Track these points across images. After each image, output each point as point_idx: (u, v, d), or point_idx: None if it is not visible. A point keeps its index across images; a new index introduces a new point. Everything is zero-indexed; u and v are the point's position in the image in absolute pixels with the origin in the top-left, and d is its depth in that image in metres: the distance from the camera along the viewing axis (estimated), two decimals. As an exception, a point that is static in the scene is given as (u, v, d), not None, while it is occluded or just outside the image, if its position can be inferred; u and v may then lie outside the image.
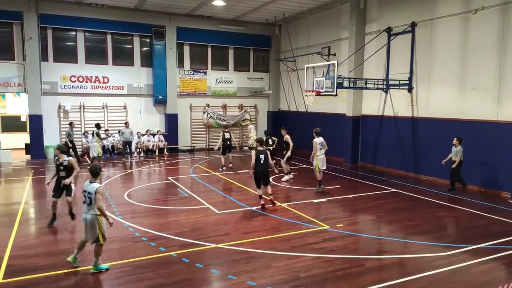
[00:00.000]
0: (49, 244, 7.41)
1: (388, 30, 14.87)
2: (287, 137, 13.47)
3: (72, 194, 8.64)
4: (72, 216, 8.57)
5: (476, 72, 12.04)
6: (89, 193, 6.19)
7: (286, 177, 13.35)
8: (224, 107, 21.83)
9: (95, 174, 6.37)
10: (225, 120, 21.55)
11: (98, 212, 6.14)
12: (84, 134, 17.87)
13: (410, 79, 14.19)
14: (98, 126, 16.09)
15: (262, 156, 9.71)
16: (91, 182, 6.30)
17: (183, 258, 6.72)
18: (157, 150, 19.21)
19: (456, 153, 11.29)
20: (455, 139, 11.35)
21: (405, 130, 14.56)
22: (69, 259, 6.34)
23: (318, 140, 11.59)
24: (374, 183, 13.08)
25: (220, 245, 7.30)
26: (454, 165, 11.28)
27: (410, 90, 14.24)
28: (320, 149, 11.59)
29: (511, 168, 11.05)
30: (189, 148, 20.78)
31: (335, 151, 17.66)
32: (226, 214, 9.40)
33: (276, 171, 12.09)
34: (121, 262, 6.57)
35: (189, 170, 15.50)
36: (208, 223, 8.81)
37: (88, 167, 6.61)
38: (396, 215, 9.56)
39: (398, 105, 14.88)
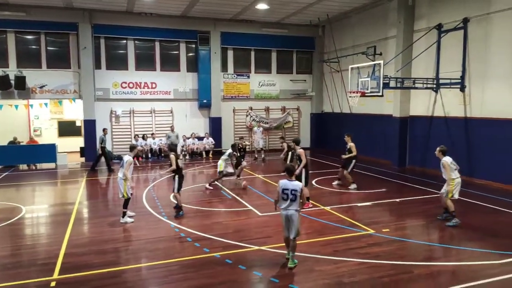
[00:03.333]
0: (101, 243, 7.78)
1: (439, 27, 14.21)
2: (352, 145, 12.19)
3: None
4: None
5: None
6: (295, 190, 6.32)
7: (352, 186, 12.29)
8: (267, 109, 21.89)
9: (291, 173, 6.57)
10: (268, 123, 21.62)
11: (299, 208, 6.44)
12: (134, 137, 18.75)
13: (462, 77, 13.46)
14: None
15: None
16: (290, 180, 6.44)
17: (226, 259, 6.80)
18: (204, 153, 19.65)
19: None
20: None
21: (457, 131, 13.81)
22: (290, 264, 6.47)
23: (448, 160, 8.87)
24: (423, 186, 12.51)
25: (262, 247, 7.31)
26: None
27: (462, 89, 13.50)
28: (455, 169, 8.84)
29: None
30: (233, 150, 21.00)
31: (382, 153, 17.20)
32: (269, 217, 9.39)
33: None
34: (167, 261, 6.77)
35: (233, 172, 15.65)
36: (250, 225, 8.86)
37: (285, 167, 6.86)
38: (440, 220, 9.07)
39: (450, 105, 14.16)
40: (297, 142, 10.50)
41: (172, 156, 9.56)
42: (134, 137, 18.80)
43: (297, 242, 6.53)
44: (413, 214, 9.67)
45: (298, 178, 8.88)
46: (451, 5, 13.89)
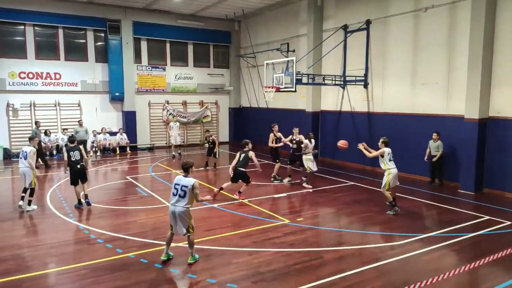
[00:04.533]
0: (-4, 251, 6.98)
1: (345, 27, 15.22)
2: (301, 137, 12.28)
3: None
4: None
5: (427, 68, 12.61)
6: (185, 186, 6.30)
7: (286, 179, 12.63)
8: (185, 103, 21.50)
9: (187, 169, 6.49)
10: (185, 117, 21.26)
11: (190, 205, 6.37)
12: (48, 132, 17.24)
13: (365, 75, 14.62)
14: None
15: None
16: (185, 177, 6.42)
17: (141, 259, 6.56)
18: (117, 149, 18.66)
19: (437, 147, 11.76)
20: (435, 134, 11.76)
21: (361, 125, 15.01)
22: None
23: (387, 150, 9.25)
24: (333, 176, 13.40)
25: (180, 244, 7.17)
26: (435, 159, 11.80)
27: (366, 86, 14.68)
28: (390, 160, 9.24)
29: (459, 160, 11.69)
30: (149, 146, 20.32)
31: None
32: (187, 212, 9.26)
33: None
34: (76, 265, 6.32)
35: (149, 168, 15.16)
36: (168, 223, 8.62)
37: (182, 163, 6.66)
38: (353, 207, 9.85)
39: (355, 100, 15.30)
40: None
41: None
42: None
43: (215, 236, 6.54)
44: (325, 203, 10.28)
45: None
46: (356, 7, 14.96)
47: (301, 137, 12.10)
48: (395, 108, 13.70)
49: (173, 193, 6.40)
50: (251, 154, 10.58)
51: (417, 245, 7.23)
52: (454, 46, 11.80)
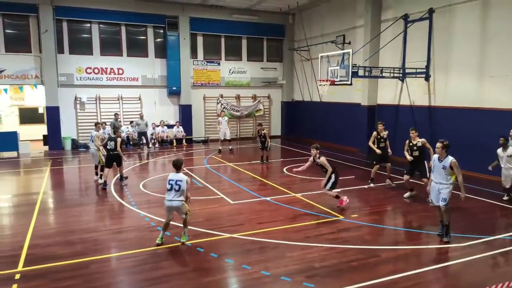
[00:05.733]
0: (67, 233, 7.54)
1: (405, 17, 14.52)
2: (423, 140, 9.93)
3: None
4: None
5: (496, 59, 11.70)
6: (179, 181, 6.79)
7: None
8: (238, 97, 21.78)
9: (179, 166, 6.95)
10: (238, 111, 21.54)
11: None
12: (102, 125, 18.16)
13: (427, 67, 13.87)
14: (116, 116, 16.70)
15: None
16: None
17: (198, 248, 6.77)
18: (175, 141, 19.37)
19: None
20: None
21: (422, 119, 14.27)
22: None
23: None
24: (390, 173, 12.88)
25: (234, 235, 7.33)
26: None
27: (427, 78, 13.93)
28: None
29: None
30: (203, 139, 20.86)
31: (351, 140, 17.55)
32: (240, 205, 9.43)
33: None
34: (138, 251, 6.67)
35: (203, 160, 15.58)
36: (222, 213, 8.85)
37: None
38: (411, 206, 9.44)
39: (415, 94, 14.60)
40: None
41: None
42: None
43: (268, 229, 6.55)
44: (381, 200, 9.96)
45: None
46: (418, -4, 14.21)
47: (423, 140, 9.76)
48: (460, 102, 12.85)
49: (168, 189, 6.79)
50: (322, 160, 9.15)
51: (482, 248, 6.77)
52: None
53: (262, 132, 14.94)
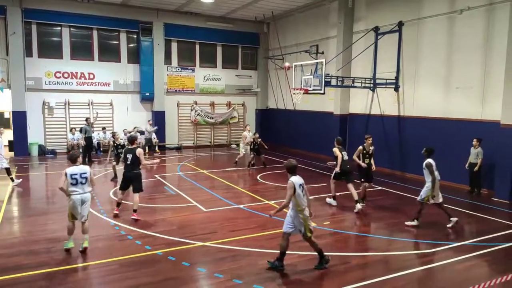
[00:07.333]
0: (32, 243, 7.27)
1: (376, 29, 14.97)
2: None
3: None
4: None
5: (461, 72, 12.23)
6: (84, 173, 6.79)
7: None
8: (212, 104, 21.73)
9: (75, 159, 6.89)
10: (213, 118, 21.48)
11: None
12: (71, 131, 17.81)
13: (397, 78, 14.33)
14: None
15: None
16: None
17: (169, 257, 6.67)
18: (147, 148, 19.09)
19: (476, 154, 11.20)
20: (475, 140, 11.17)
21: (391, 129, 14.70)
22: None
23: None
24: (359, 180, 13.13)
25: (207, 243, 7.27)
26: (476, 168, 11.18)
27: (396, 89, 14.38)
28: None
29: (495, 167, 11.23)
30: (177, 145, 20.65)
31: (324, 148, 17.76)
32: (213, 212, 9.37)
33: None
34: (106, 260, 6.50)
35: (177, 168, 15.41)
36: (195, 221, 8.76)
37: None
38: (381, 212, 9.65)
39: (385, 103, 15.02)
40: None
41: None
42: (71, 131, 17.81)
43: (241, 237, 6.56)
44: (352, 208, 10.11)
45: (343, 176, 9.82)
46: (388, 9, 14.70)
47: (374, 148, 10.09)
48: (427, 112, 13.33)
49: (72, 183, 6.73)
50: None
51: (448, 254, 7.01)
52: (491, 49, 11.38)
53: (258, 140, 15.35)
